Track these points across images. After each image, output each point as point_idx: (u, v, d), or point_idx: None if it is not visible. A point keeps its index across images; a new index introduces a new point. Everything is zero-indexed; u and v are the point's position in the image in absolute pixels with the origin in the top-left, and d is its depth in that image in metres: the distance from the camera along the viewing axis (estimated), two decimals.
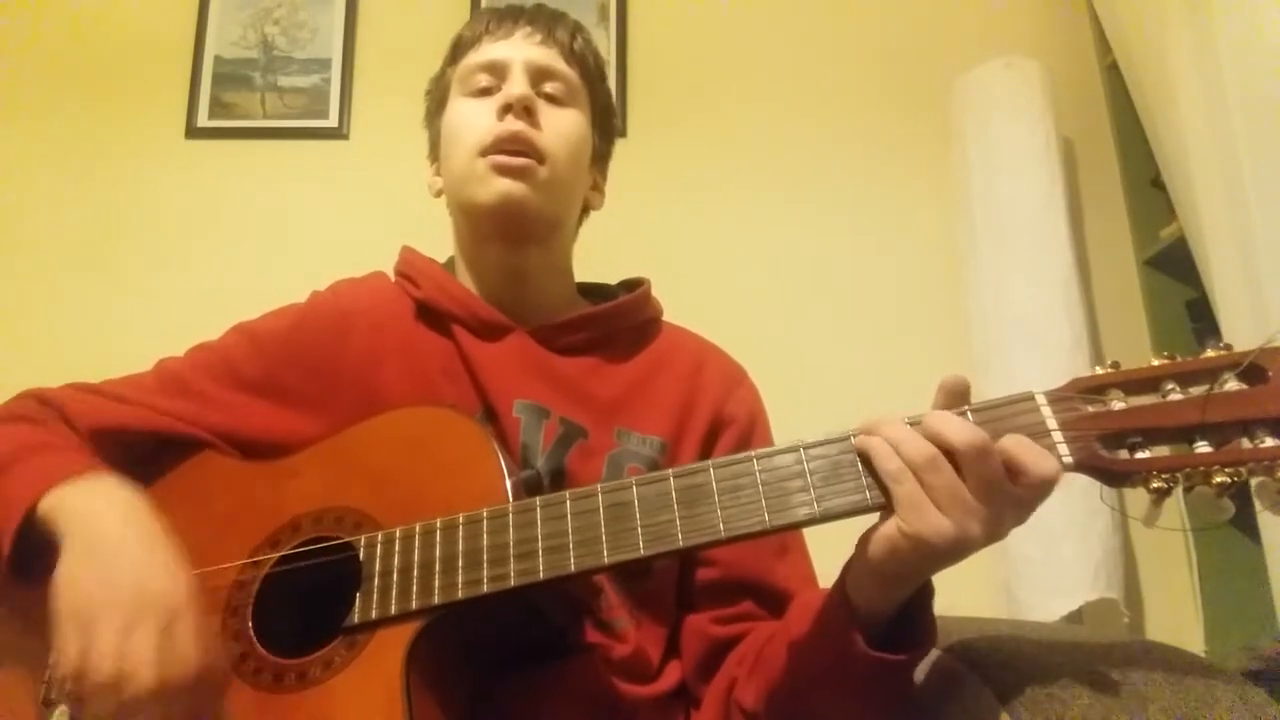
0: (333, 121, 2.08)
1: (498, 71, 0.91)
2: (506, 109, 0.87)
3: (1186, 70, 1.61)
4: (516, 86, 0.89)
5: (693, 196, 2.03)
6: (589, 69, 0.96)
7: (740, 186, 2.04)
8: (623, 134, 2.06)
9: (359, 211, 2.00)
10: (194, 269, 1.98)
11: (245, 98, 2.10)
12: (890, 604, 0.63)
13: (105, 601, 0.62)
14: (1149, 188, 1.91)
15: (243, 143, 2.08)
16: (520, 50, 0.92)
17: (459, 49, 0.97)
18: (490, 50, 0.92)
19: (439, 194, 0.97)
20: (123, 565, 0.64)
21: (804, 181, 2.04)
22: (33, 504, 0.69)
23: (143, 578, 0.63)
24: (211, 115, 2.08)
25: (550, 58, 0.92)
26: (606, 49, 2.11)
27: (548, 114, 0.90)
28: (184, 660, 0.61)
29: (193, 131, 2.07)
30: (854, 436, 0.62)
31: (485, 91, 0.91)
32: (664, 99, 2.09)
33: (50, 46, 2.12)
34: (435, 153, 0.98)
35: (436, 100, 0.99)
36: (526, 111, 0.87)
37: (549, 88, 0.91)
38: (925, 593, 0.64)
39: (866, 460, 0.61)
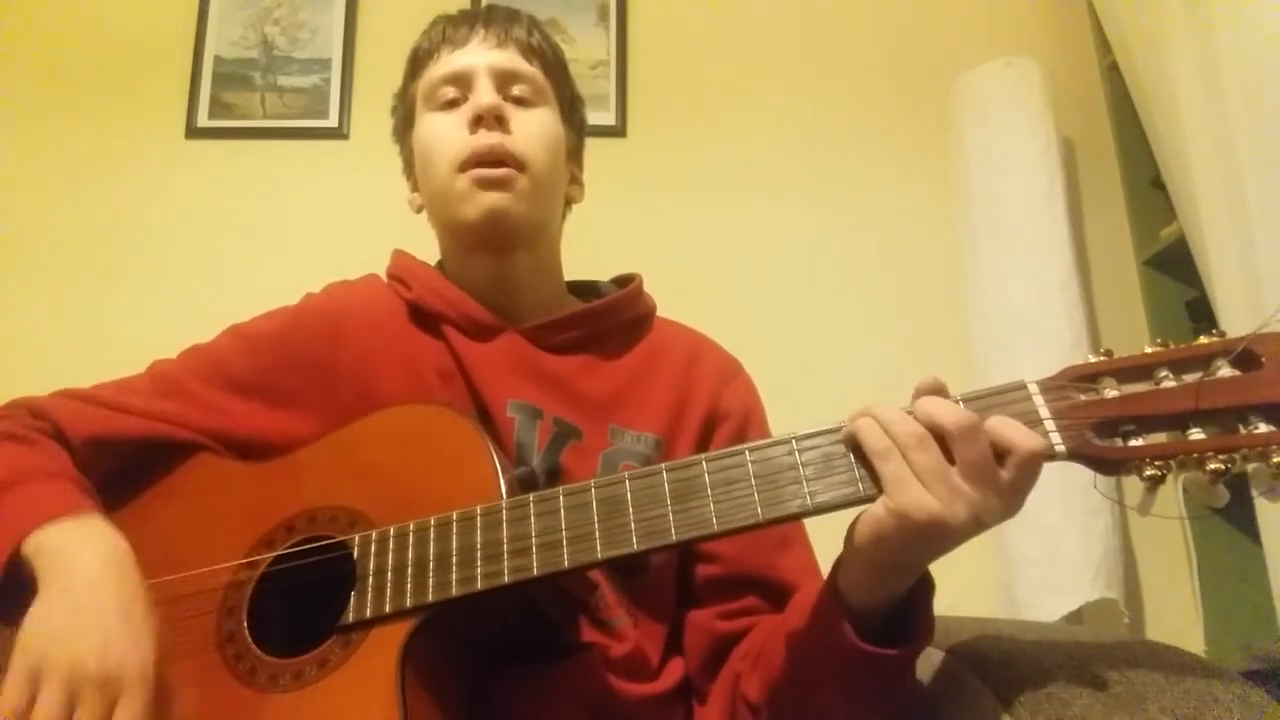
0: (333, 121, 2.08)
1: (462, 82, 0.90)
2: (478, 121, 0.86)
3: (1186, 70, 1.61)
4: (485, 96, 0.87)
5: (693, 196, 2.03)
6: (550, 63, 0.94)
7: (740, 186, 2.04)
8: (623, 134, 2.06)
9: (359, 212, 1.99)
10: (194, 269, 1.98)
11: (245, 98, 2.10)
12: (882, 595, 0.63)
13: (61, 659, 0.59)
14: (1149, 188, 1.91)
15: (243, 143, 2.07)
16: (481, 56, 0.90)
17: (418, 62, 0.95)
18: (450, 61, 0.91)
19: (420, 210, 0.96)
20: (90, 626, 0.61)
21: (804, 181, 2.04)
22: (18, 542, 0.67)
23: (107, 642, 0.61)
24: (211, 115, 2.08)
25: (512, 59, 0.91)
26: (607, 49, 2.11)
27: (519, 118, 0.88)
28: None
29: (193, 131, 2.07)
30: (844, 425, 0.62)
31: (452, 104, 0.90)
32: (664, 98, 2.09)
33: (50, 46, 2.12)
34: (410, 169, 0.97)
35: (403, 117, 0.98)
36: (498, 120, 0.86)
37: (516, 90, 0.90)
38: (924, 588, 0.64)
39: (856, 443, 0.60)
